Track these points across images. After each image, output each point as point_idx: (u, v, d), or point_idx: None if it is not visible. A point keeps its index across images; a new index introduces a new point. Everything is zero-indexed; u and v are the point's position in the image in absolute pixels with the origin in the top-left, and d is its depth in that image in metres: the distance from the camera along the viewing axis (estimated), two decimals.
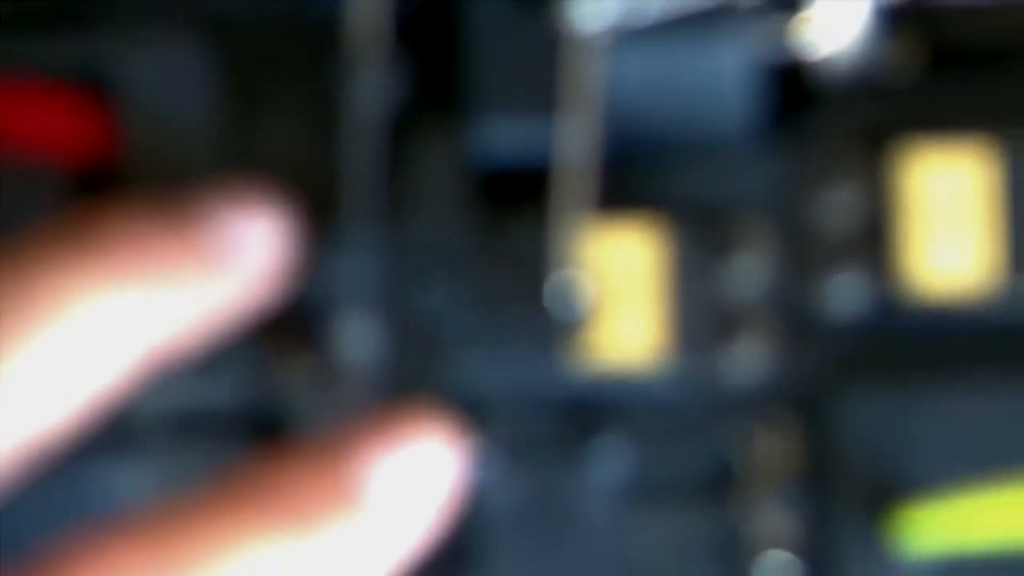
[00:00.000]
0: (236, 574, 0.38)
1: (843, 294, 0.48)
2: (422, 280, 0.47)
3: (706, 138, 0.50)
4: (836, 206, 0.49)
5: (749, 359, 0.48)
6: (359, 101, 0.47)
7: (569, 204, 0.47)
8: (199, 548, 0.38)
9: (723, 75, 0.49)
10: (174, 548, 0.38)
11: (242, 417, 0.49)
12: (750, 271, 0.49)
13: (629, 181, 0.49)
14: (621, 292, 0.48)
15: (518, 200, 0.50)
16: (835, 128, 0.50)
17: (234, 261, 0.42)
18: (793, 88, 0.52)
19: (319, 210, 0.48)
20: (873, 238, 0.48)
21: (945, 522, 0.46)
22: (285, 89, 0.53)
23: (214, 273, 0.41)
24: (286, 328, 0.48)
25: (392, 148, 0.48)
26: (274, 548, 0.38)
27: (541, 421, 0.49)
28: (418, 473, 0.41)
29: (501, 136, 0.48)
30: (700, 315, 0.48)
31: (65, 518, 0.45)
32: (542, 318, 0.47)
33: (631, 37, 0.48)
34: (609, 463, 0.48)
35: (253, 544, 0.38)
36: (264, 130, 0.51)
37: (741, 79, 0.49)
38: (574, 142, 0.47)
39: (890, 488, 0.47)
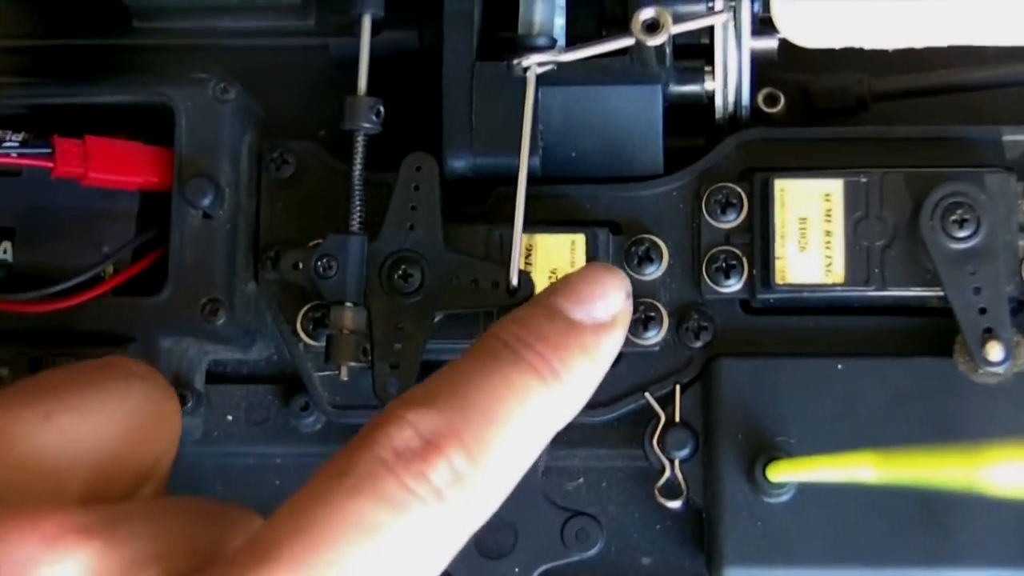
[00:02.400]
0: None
1: (724, 290, 0.58)
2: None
3: (622, 168, 0.59)
4: (720, 227, 0.58)
5: (653, 336, 0.58)
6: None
7: (513, 214, 0.56)
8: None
9: (635, 118, 0.58)
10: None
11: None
12: (654, 274, 0.58)
13: (563, 200, 0.59)
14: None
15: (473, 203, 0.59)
16: (721, 170, 0.59)
17: None
18: (695, 132, 0.62)
19: None
20: (748, 251, 0.58)
21: (798, 469, 0.55)
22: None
23: None
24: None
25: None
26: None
27: None
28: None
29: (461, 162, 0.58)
30: None
31: None
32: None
33: (562, 82, 0.57)
34: None
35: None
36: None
37: (650, 121, 0.58)
38: (518, 165, 0.56)
39: (758, 439, 0.56)
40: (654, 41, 0.54)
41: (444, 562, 0.41)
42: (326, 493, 0.40)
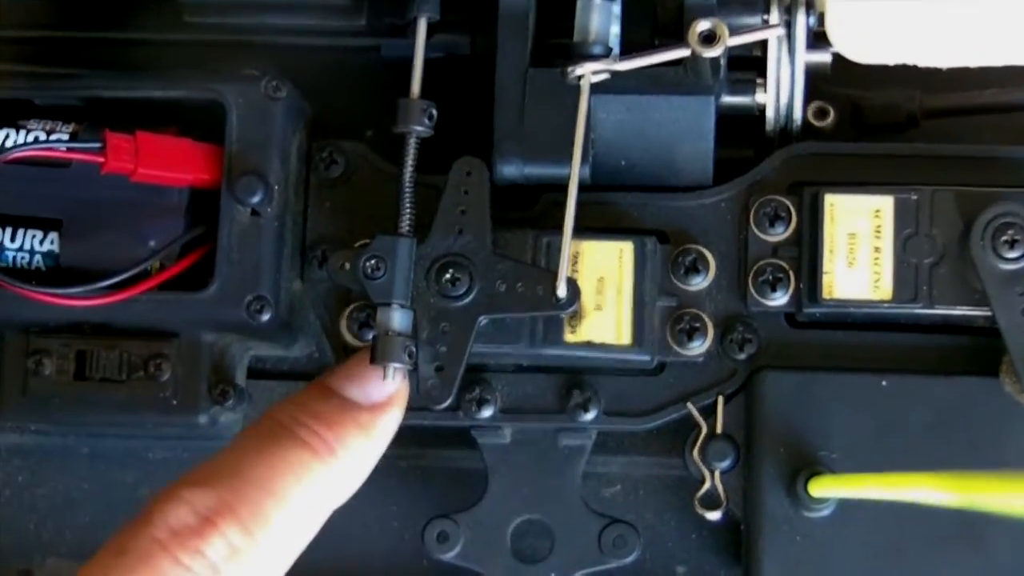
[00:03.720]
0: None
1: (770, 303, 0.57)
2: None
3: (670, 178, 0.58)
4: (768, 239, 0.57)
5: (697, 347, 0.57)
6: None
7: (561, 220, 0.55)
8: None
9: (687, 128, 0.57)
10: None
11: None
12: (700, 285, 0.57)
13: (611, 207, 0.58)
14: (600, 291, 0.57)
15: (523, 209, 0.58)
16: (770, 182, 0.58)
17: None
18: (745, 143, 0.61)
19: None
20: (795, 265, 0.57)
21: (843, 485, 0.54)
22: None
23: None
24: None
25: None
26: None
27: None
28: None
29: (512, 168, 0.57)
30: (660, 314, 0.57)
31: None
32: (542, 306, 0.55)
33: (616, 91, 0.56)
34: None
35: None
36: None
37: (701, 131, 0.57)
38: (568, 173, 0.55)
39: (800, 453, 0.56)
40: (710, 53, 0.54)
41: None
42: (104, 574, 0.40)
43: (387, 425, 0.48)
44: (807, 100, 0.60)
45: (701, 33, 0.54)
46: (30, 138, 0.59)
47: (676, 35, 0.58)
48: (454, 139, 0.58)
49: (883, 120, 0.62)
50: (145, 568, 0.40)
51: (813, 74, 0.60)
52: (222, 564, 0.41)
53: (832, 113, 0.61)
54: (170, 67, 0.63)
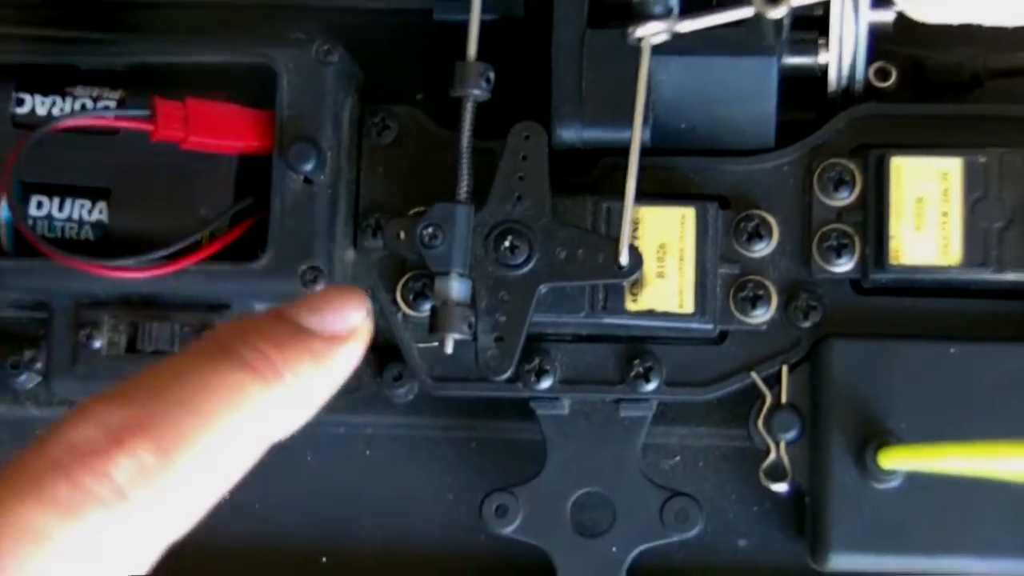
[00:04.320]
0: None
1: (835, 269, 0.55)
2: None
3: (732, 141, 0.56)
4: (832, 204, 0.56)
5: (761, 314, 0.55)
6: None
7: (621, 186, 0.54)
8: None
9: (749, 90, 0.55)
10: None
11: None
12: (763, 251, 0.56)
13: (671, 172, 0.57)
14: (661, 258, 0.55)
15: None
16: (834, 145, 0.56)
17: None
18: (806, 105, 0.58)
19: None
20: (861, 230, 0.55)
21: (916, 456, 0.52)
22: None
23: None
24: None
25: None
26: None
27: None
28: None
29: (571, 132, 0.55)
30: (722, 281, 0.55)
31: None
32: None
33: (676, 52, 0.54)
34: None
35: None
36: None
37: (763, 94, 0.55)
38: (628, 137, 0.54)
39: (868, 424, 0.54)
40: (775, 13, 0.51)
41: (135, 570, 0.36)
42: None
43: (344, 358, 0.41)
44: (869, 61, 0.58)
45: None
46: (77, 105, 0.57)
47: None
48: (510, 103, 0.56)
49: (946, 80, 0.59)
50: (37, 492, 0.35)
51: (875, 34, 0.58)
52: (130, 488, 0.35)
53: (894, 74, 0.59)
54: (215, 30, 0.60)
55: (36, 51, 0.58)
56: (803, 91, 0.58)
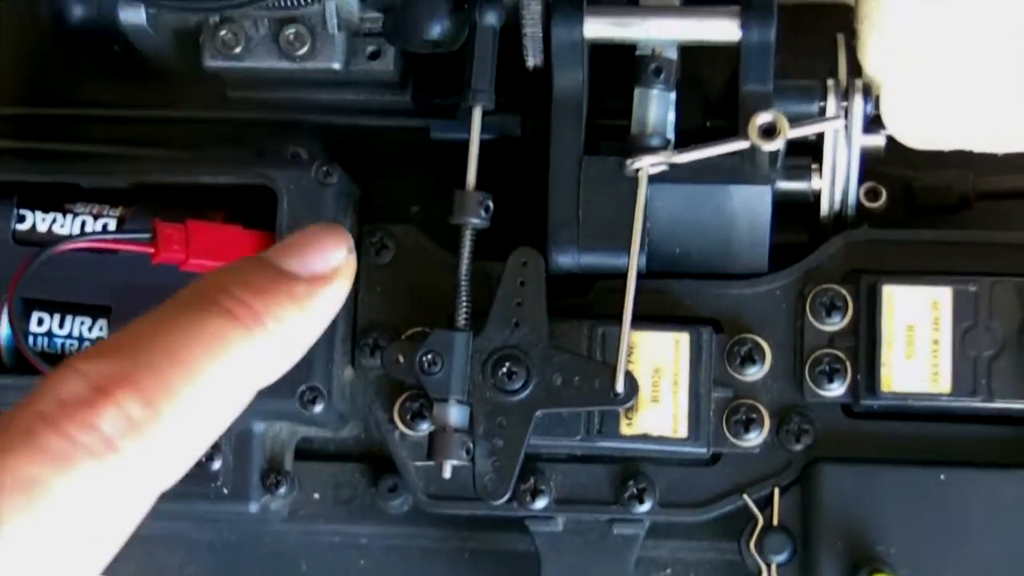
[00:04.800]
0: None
1: (827, 394, 0.55)
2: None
3: (725, 265, 0.56)
4: (825, 329, 0.56)
5: (754, 438, 0.55)
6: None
7: (615, 310, 0.54)
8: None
9: (743, 216, 0.55)
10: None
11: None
12: (756, 375, 0.56)
13: (665, 296, 0.57)
14: (655, 383, 0.55)
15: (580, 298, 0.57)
16: (826, 270, 0.56)
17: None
18: (798, 228, 0.59)
19: None
20: (852, 355, 0.55)
21: None
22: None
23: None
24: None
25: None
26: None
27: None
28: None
29: (567, 258, 0.55)
30: (716, 404, 0.55)
31: None
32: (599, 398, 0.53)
33: (672, 180, 0.55)
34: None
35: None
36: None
37: (757, 220, 0.55)
38: (624, 264, 0.54)
39: (859, 548, 0.53)
40: (770, 147, 0.52)
41: (128, 521, 0.36)
42: None
43: (327, 300, 0.41)
44: (859, 181, 0.58)
45: (761, 126, 0.52)
46: (77, 223, 0.57)
47: (728, 114, 0.56)
48: (506, 222, 0.56)
49: (935, 202, 0.60)
50: (25, 444, 0.34)
51: (866, 156, 0.58)
52: (118, 439, 0.35)
53: (884, 194, 0.59)
54: (214, 144, 0.62)
55: (38, 169, 0.58)
56: (795, 214, 0.58)
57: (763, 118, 0.52)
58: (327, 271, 0.41)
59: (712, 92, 0.60)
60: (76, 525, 0.35)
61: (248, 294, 0.39)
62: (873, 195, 0.59)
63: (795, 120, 0.54)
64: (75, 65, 0.63)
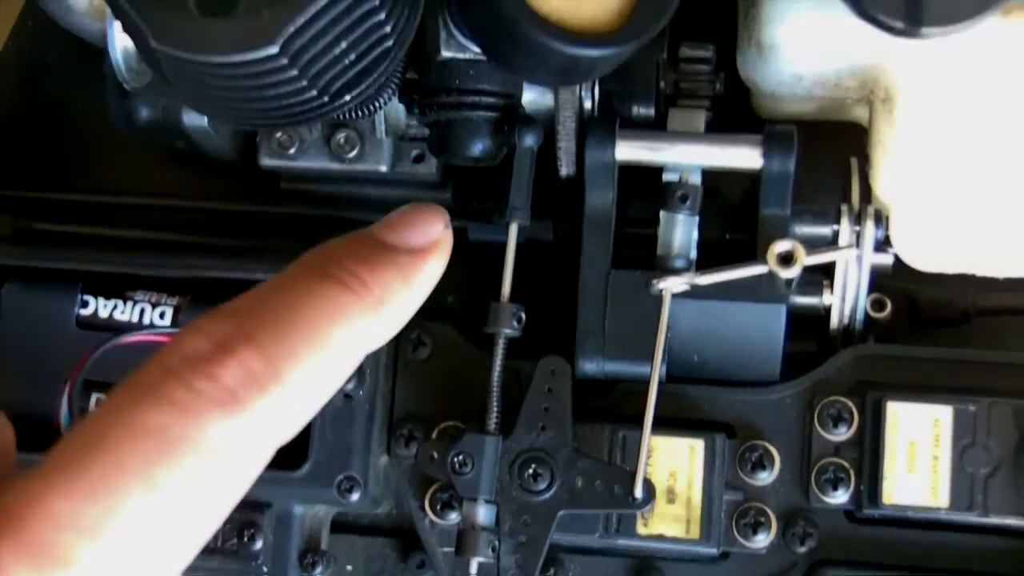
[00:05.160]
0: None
1: (831, 501, 0.58)
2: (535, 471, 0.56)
3: (740, 373, 0.59)
4: (831, 439, 0.58)
5: (761, 540, 0.58)
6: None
7: (637, 415, 0.57)
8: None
9: (758, 330, 0.58)
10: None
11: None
12: (765, 480, 0.59)
13: (683, 399, 0.60)
14: (671, 486, 0.58)
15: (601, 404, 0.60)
16: (834, 382, 0.59)
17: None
18: (808, 338, 0.62)
19: None
20: (857, 465, 0.58)
21: None
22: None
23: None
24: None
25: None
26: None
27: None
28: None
29: (593, 365, 0.58)
30: (727, 507, 0.58)
31: None
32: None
33: (693, 296, 0.58)
34: None
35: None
36: None
37: (772, 334, 0.58)
38: (647, 373, 0.57)
39: None
40: (787, 274, 0.55)
41: (250, 471, 0.38)
42: (110, 408, 0.36)
43: (428, 271, 0.44)
44: (867, 292, 0.61)
45: (779, 254, 0.55)
46: (136, 310, 0.60)
47: (747, 227, 0.59)
48: (536, 321, 0.59)
49: (938, 315, 0.63)
50: (154, 395, 0.36)
51: (875, 271, 0.61)
52: (241, 390, 0.37)
53: (889, 305, 0.62)
54: (266, 235, 0.65)
55: (102, 260, 0.61)
56: (807, 325, 0.61)
57: (781, 247, 0.55)
58: (427, 244, 0.44)
59: (732, 201, 0.63)
60: (203, 474, 0.36)
61: (357, 265, 0.41)
62: (879, 306, 0.62)
63: (810, 242, 0.57)
64: (139, 153, 0.67)
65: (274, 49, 0.46)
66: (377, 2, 0.48)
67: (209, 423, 0.36)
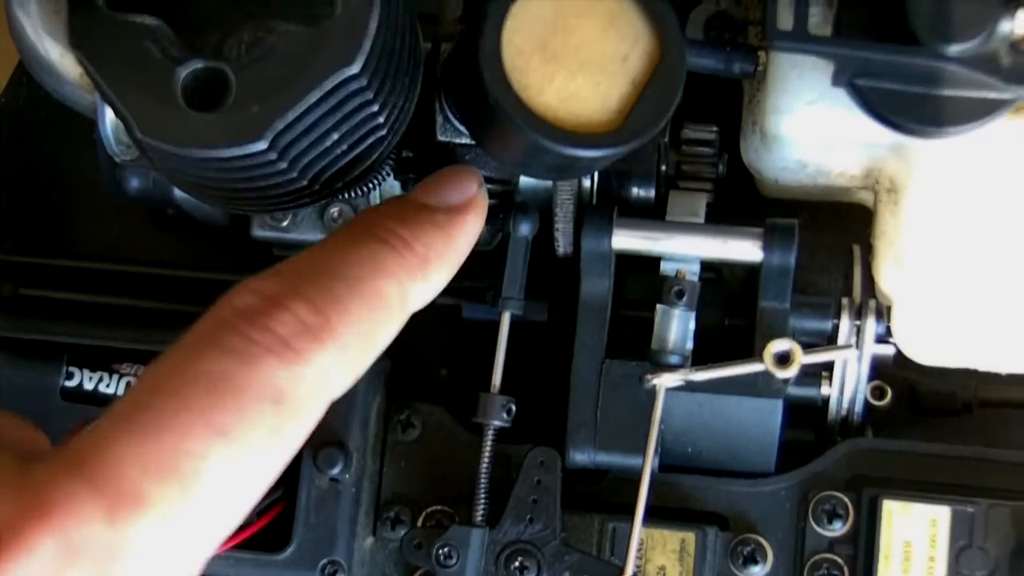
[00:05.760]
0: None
1: None
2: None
3: (734, 464, 0.58)
4: (825, 534, 0.57)
5: None
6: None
7: (635, 510, 0.55)
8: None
9: (753, 424, 0.57)
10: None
11: None
12: (757, 573, 0.57)
13: (674, 489, 0.58)
14: None
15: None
16: (830, 476, 0.57)
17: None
18: (805, 427, 0.60)
19: None
20: (851, 563, 0.56)
21: None
22: None
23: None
24: None
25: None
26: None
27: None
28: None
29: (584, 456, 0.57)
30: None
31: None
32: None
33: (688, 389, 0.57)
34: None
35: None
36: None
37: (767, 428, 0.57)
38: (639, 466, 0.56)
39: None
40: (784, 374, 0.53)
41: (309, 420, 0.38)
42: (169, 358, 0.37)
43: (467, 228, 0.45)
44: (867, 379, 0.59)
45: (776, 355, 0.53)
46: (123, 384, 0.59)
47: (747, 312, 0.58)
48: (528, 406, 0.58)
49: (939, 406, 0.62)
50: (212, 343, 0.37)
51: (876, 361, 0.59)
52: (294, 339, 0.38)
53: (890, 394, 0.61)
54: None
55: (88, 333, 0.59)
56: (804, 414, 0.60)
57: (778, 347, 0.53)
58: (464, 202, 0.45)
59: (733, 283, 0.61)
60: (265, 419, 0.37)
61: (399, 225, 0.43)
62: (879, 394, 0.61)
63: (809, 335, 0.56)
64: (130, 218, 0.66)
65: (263, 145, 0.44)
66: (371, 95, 0.46)
67: (268, 370, 0.37)
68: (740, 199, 0.62)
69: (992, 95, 0.49)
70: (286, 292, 0.39)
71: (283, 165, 0.46)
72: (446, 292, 0.61)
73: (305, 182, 0.48)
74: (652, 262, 0.58)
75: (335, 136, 0.47)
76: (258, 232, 0.61)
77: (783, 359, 0.53)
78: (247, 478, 0.37)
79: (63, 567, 0.34)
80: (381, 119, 0.48)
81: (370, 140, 0.49)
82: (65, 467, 0.35)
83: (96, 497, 0.34)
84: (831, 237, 0.63)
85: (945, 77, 0.49)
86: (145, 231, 0.66)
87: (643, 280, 0.59)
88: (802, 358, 0.53)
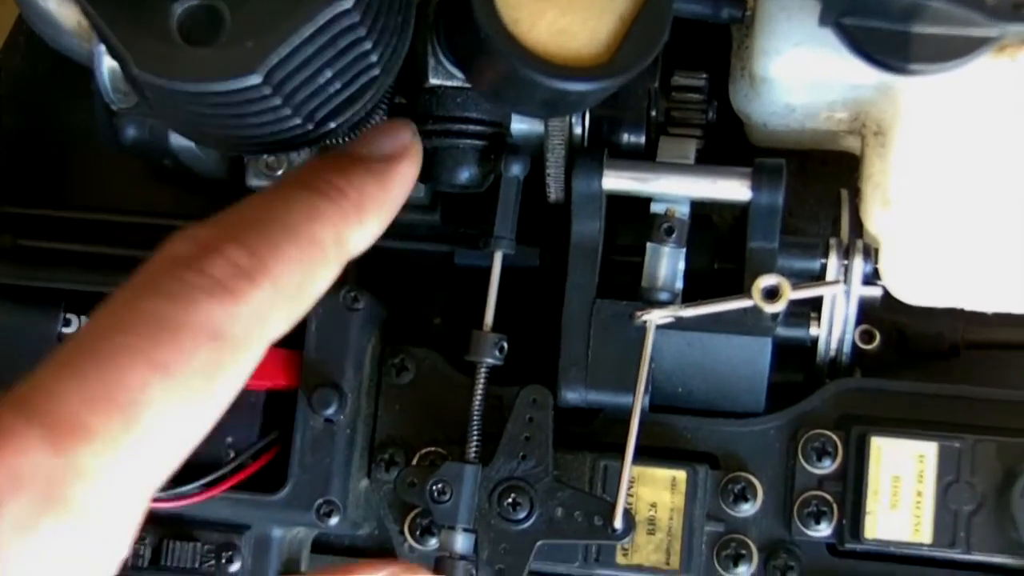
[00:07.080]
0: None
1: (813, 534, 0.57)
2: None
3: (724, 404, 0.58)
4: (814, 472, 0.57)
5: (743, 572, 0.57)
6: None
7: (618, 445, 0.56)
8: None
9: (743, 362, 0.57)
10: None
11: None
12: (747, 512, 0.58)
13: (666, 429, 0.59)
14: (652, 517, 0.57)
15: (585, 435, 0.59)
16: (819, 415, 0.58)
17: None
18: (794, 368, 0.61)
19: None
20: (840, 499, 0.57)
21: None
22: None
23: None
24: None
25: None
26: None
27: None
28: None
29: (575, 395, 0.57)
30: (708, 538, 0.57)
31: None
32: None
33: (678, 327, 0.57)
34: None
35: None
36: None
37: (757, 367, 0.57)
38: (629, 404, 0.56)
39: None
40: (773, 308, 0.54)
41: (248, 361, 0.38)
42: (106, 306, 0.38)
43: (400, 175, 0.45)
44: (855, 323, 0.60)
45: (764, 289, 0.54)
46: None
47: (736, 256, 0.58)
48: (520, 347, 0.58)
49: (926, 348, 0.62)
50: (147, 288, 0.38)
51: (864, 304, 0.60)
52: (230, 281, 0.38)
53: (878, 337, 0.61)
54: None
55: (85, 279, 0.60)
56: (793, 355, 0.60)
57: (766, 281, 0.54)
58: (397, 149, 0.46)
59: (722, 228, 0.62)
60: (202, 356, 0.37)
61: (334, 174, 0.43)
62: (868, 337, 0.61)
63: (797, 275, 0.56)
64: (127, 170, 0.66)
65: (257, 79, 0.45)
66: (364, 31, 0.47)
67: (205, 309, 0.37)
68: (729, 149, 0.62)
69: (976, 32, 0.50)
70: (222, 237, 0.39)
71: (277, 101, 0.46)
72: (440, 239, 0.62)
73: (299, 119, 0.48)
74: (643, 211, 0.58)
75: (328, 73, 0.47)
76: (253, 181, 0.61)
77: (771, 294, 0.53)
78: (188, 413, 0.37)
79: (8, 493, 0.34)
80: (374, 57, 0.48)
81: (364, 79, 0.49)
82: (8, 405, 0.35)
83: (39, 429, 0.35)
84: (819, 185, 0.64)
85: (929, 14, 0.49)
86: (143, 184, 0.66)
87: (634, 229, 0.59)
88: (790, 293, 0.53)
